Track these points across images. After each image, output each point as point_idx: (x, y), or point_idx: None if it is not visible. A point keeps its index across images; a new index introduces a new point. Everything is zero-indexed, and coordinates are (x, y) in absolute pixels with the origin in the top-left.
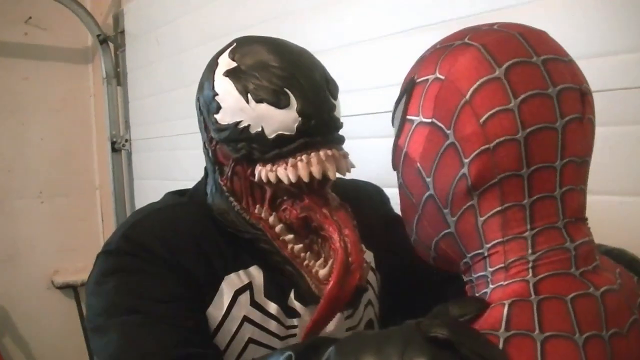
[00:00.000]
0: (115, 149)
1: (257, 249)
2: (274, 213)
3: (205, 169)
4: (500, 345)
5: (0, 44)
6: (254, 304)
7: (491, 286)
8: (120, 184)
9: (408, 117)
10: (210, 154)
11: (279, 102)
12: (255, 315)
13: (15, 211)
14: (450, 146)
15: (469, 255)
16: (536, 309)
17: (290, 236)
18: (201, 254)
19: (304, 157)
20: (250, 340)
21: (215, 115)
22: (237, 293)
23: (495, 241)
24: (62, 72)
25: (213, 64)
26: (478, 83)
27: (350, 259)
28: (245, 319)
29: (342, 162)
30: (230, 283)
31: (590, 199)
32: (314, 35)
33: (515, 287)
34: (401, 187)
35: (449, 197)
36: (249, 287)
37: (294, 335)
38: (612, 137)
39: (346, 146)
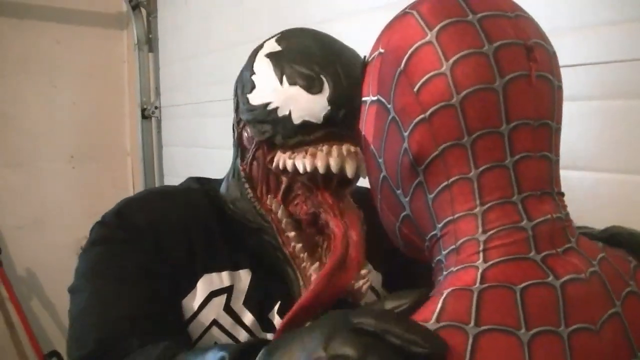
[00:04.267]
0: (145, 115)
1: (257, 245)
2: (282, 205)
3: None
4: None
5: (33, 7)
6: (228, 309)
7: (444, 272)
8: (150, 150)
9: (363, 99)
10: (235, 137)
11: (312, 87)
12: (226, 321)
13: (45, 175)
14: (392, 121)
15: (427, 238)
16: (476, 299)
17: (293, 233)
18: (188, 245)
19: (324, 147)
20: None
21: (248, 95)
22: (213, 294)
23: (446, 220)
24: (96, 37)
25: (258, 47)
26: (411, 50)
27: (348, 254)
28: (215, 322)
29: (364, 163)
30: (208, 282)
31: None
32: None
33: (461, 275)
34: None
35: (397, 176)
36: (227, 290)
37: None
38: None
39: None
